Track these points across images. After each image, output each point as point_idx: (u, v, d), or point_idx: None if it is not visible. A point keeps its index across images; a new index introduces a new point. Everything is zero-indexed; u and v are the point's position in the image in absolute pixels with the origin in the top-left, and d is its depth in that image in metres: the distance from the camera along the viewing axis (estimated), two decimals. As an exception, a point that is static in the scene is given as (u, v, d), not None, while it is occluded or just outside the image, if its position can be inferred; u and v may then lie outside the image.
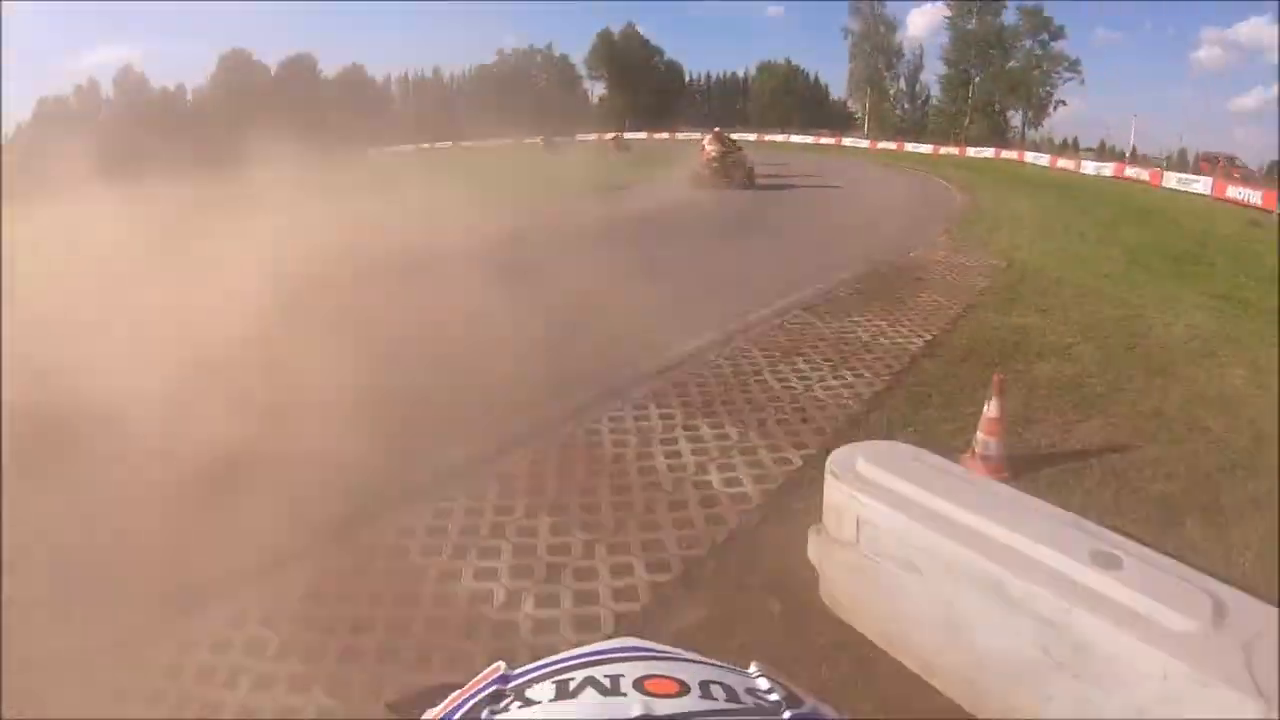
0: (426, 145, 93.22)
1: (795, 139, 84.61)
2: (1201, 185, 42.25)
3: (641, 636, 1.12)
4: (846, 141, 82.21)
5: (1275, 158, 61.20)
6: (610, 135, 75.36)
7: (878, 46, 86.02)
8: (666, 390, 9.25)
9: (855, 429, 8.03)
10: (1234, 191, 38.96)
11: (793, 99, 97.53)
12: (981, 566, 3.81)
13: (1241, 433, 8.02)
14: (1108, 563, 3.55)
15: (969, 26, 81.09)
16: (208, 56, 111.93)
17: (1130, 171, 50.34)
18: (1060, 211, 27.68)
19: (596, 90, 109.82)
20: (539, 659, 1.04)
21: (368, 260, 15.09)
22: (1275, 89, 79.23)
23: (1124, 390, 9.23)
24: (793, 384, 9.54)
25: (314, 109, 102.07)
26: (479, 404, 8.55)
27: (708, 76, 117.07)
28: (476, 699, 0.98)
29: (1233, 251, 20.56)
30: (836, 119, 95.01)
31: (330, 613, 5.26)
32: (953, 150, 71.50)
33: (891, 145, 76.69)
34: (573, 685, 0.93)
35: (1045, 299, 13.72)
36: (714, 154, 33.11)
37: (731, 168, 32.46)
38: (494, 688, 0.99)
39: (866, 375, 9.81)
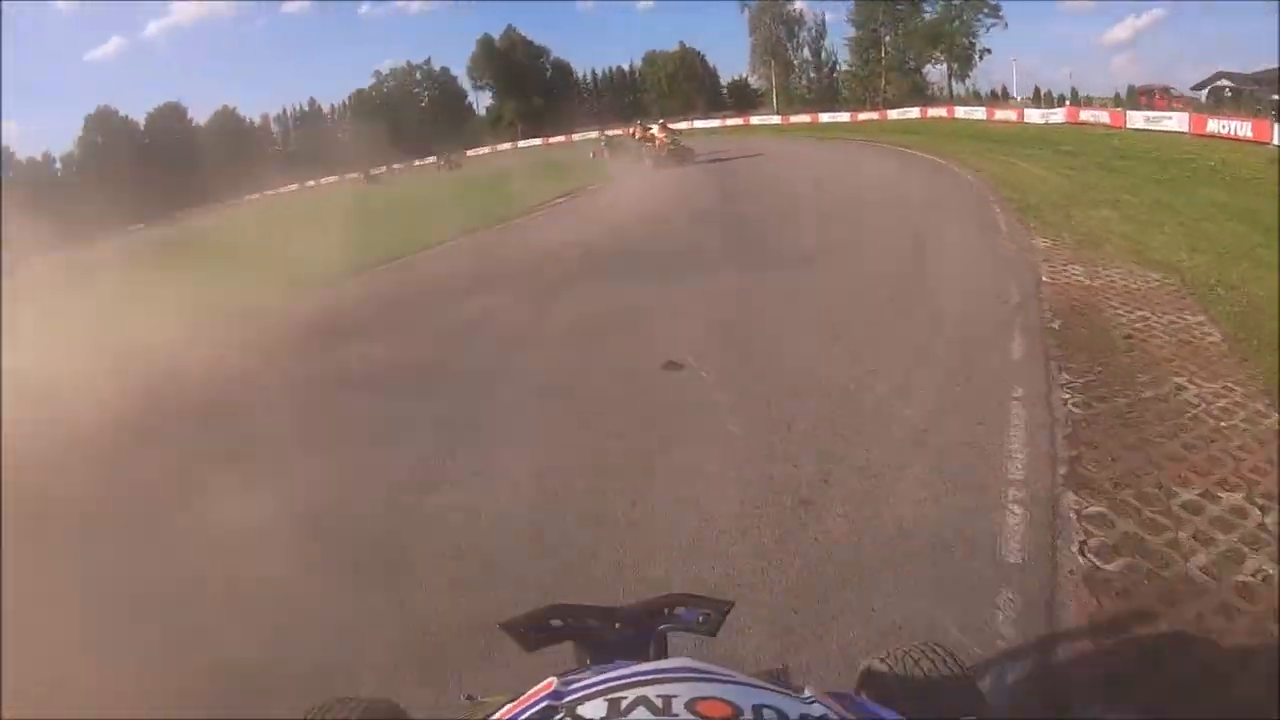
0: (311, 182, 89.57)
1: (700, 124, 78.13)
2: (1175, 122, 36.87)
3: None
4: (755, 120, 76.12)
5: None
6: (443, 158, 74.94)
7: (777, 16, 79.59)
8: None
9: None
10: (1215, 125, 33.67)
11: (692, 84, 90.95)
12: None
13: None
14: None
15: (873, -17, 75.08)
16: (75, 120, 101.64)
17: (1087, 115, 44.67)
18: (1098, 179, 21.86)
19: (485, 100, 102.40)
20: (593, 678, 1.04)
21: None
22: (1144, 18, 75.50)
23: None
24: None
25: (187, 159, 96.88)
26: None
27: (594, 74, 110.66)
28: (528, 714, 1.00)
29: None
30: (741, 98, 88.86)
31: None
32: (873, 115, 65.88)
33: (805, 118, 70.81)
34: (625, 704, 0.93)
35: None
36: (667, 140, 37.69)
37: (681, 151, 36.26)
38: (546, 703, 1.00)
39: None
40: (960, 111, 57.82)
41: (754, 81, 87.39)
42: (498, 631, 1.97)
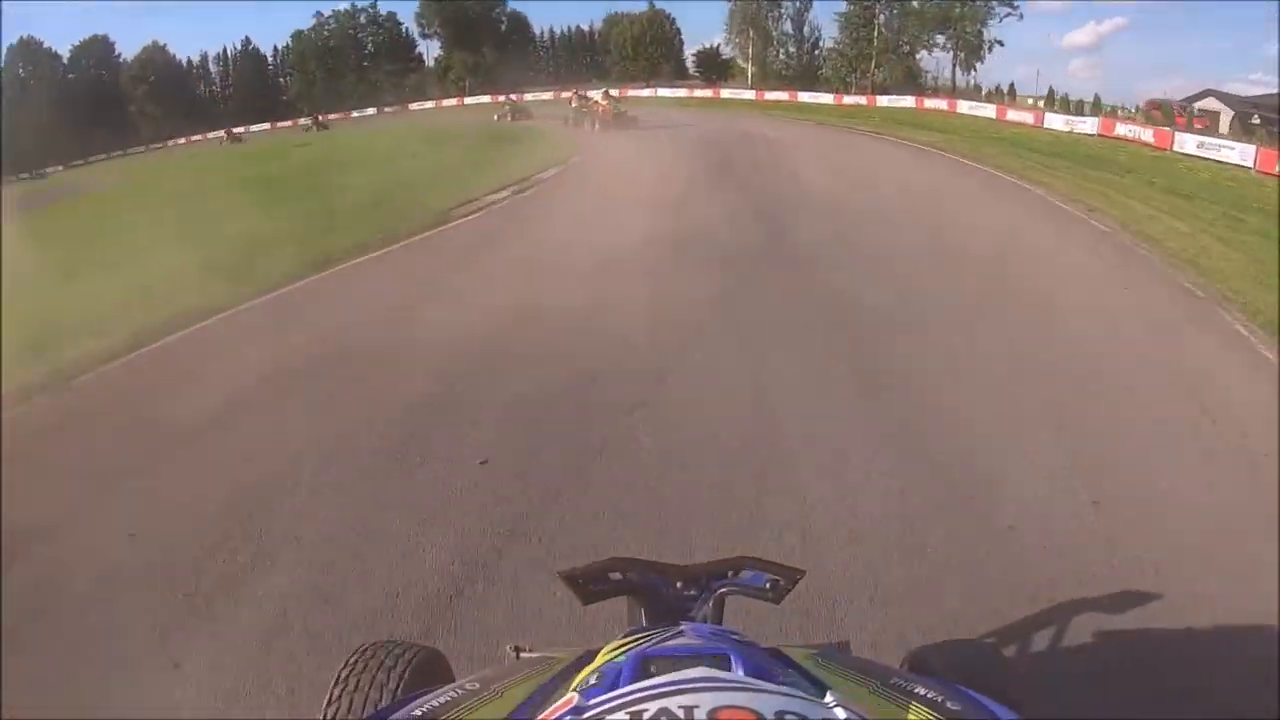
0: (240, 130, 78.56)
1: (665, 92, 69.96)
2: (1237, 154, 29.70)
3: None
4: (726, 93, 68.02)
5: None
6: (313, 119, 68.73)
7: None
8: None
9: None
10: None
11: (659, 48, 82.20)
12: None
13: None
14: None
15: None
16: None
17: (1126, 130, 37.25)
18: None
19: (434, 51, 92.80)
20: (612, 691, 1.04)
21: None
22: (1106, 23, 69.54)
23: None
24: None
25: (112, 99, 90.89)
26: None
27: (551, 33, 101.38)
28: None
29: None
30: (710, 68, 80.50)
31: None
32: (859, 100, 58.13)
33: (782, 95, 63.44)
34: (646, 716, 0.91)
35: None
36: (609, 106, 38.40)
37: (622, 118, 37.07)
38: (568, 717, 1.00)
39: None
40: (964, 106, 50.39)
41: (726, 51, 78.86)
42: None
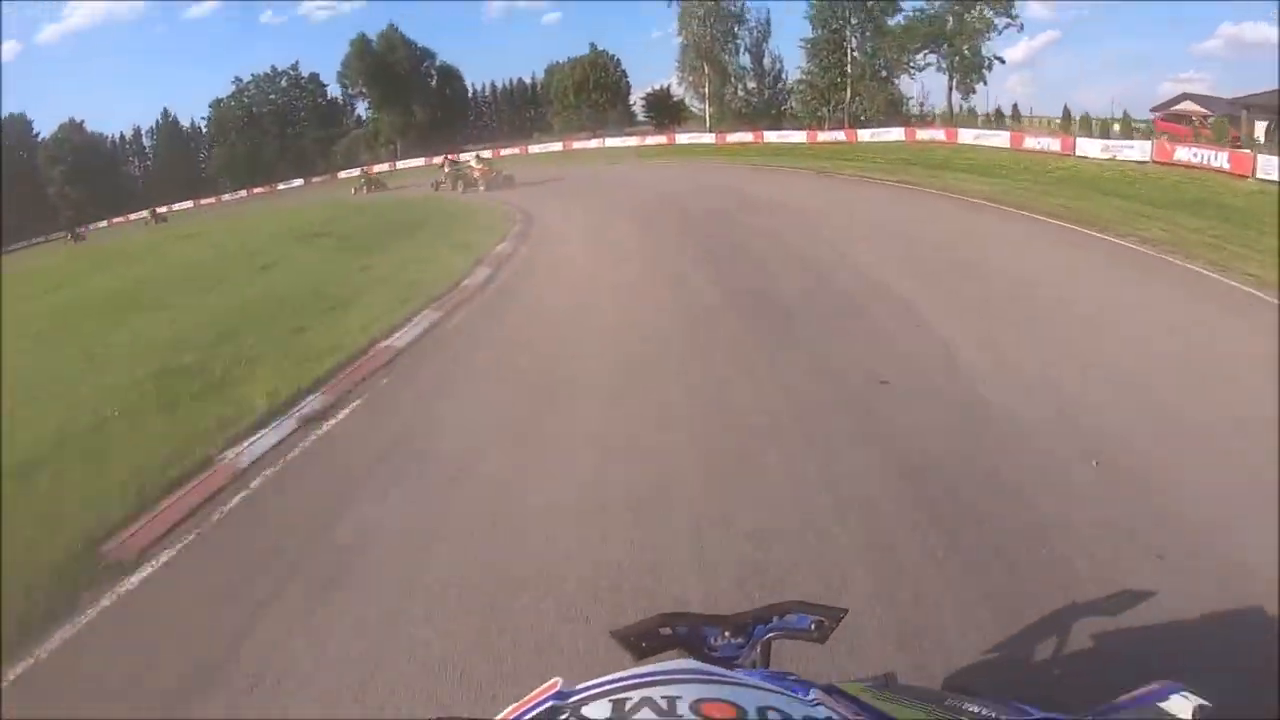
0: (163, 209, 67.52)
1: (613, 142, 61.73)
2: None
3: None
4: (683, 139, 59.70)
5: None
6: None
7: (712, 13, 62.55)
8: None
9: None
10: None
11: (604, 94, 73.96)
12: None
13: None
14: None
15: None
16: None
17: (1188, 154, 28.94)
18: None
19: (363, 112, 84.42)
20: (597, 679, 1.03)
21: None
22: (1040, 38, 63.67)
23: None
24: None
25: (31, 181, 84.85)
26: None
27: (493, 87, 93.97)
28: (533, 714, 0.99)
29: None
30: (662, 111, 72.40)
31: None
32: (837, 136, 49.98)
33: (745, 136, 54.84)
34: (629, 705, 0.92)
35: None
36: (484, 169, 38.32)
37: (498, 178, 36.57)
38: (550, 704, 0.99)
39: None
40: (966, 135, 42.02)
41: (679, 91, 70.63)
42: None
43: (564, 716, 0.94)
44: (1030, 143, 36.84)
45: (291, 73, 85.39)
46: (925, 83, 58.78)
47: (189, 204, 77.34)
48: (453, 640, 4.50)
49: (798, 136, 52.00)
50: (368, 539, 5.95)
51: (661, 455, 6.73)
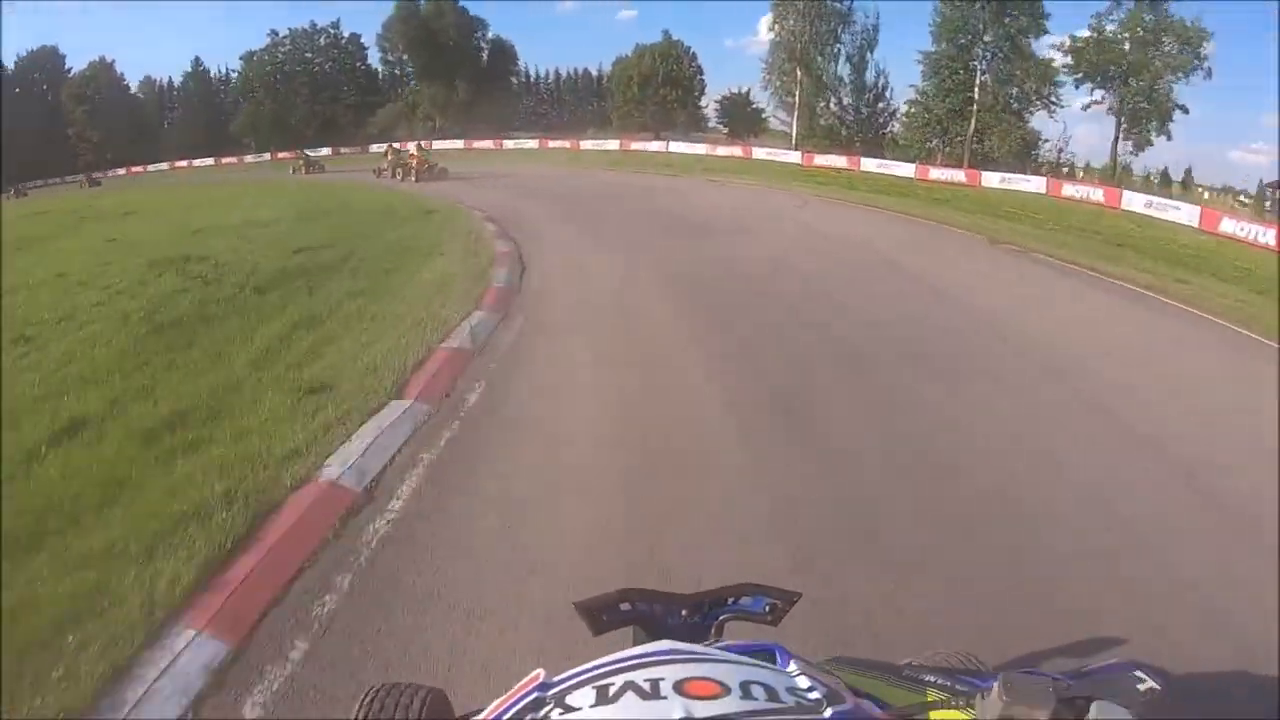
0: (183, 164, 69.46)
1: (679, 148, 52.10)
2: None
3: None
4: (760, 153, 49.70)
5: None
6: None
7: (810, 11, 52.06)
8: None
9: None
10: None
11: (674, 91, 64.02)
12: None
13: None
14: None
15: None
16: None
17: None
18: None
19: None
20: (579, 667, 1.04)
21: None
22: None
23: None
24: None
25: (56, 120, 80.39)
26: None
27: (556, 74, 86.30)
28: (518, 706, 0.99)
29: None
30: (737, 119, 62.59)
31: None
32: (955, 175, 39.82)
33: (838, 160, 44.84)
34: (612, 690, 0.93)
35: None
36: (421, 158, 36.10)
37: (432, 170, 35.03)
38: (534, 695, 1.00)
39: None
40: (1134, 201, 31.78)
41: (762, 99, 60.47)
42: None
43: (549, 707, 0.94)
44: (1229, 225, 26.60)
45: (332, 31, 77.19)
46: (1066, 123, 47.54)
47: (210, 161, 70.77)
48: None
49: (902, 169, 42.03)
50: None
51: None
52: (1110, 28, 44.02)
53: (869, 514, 4.82)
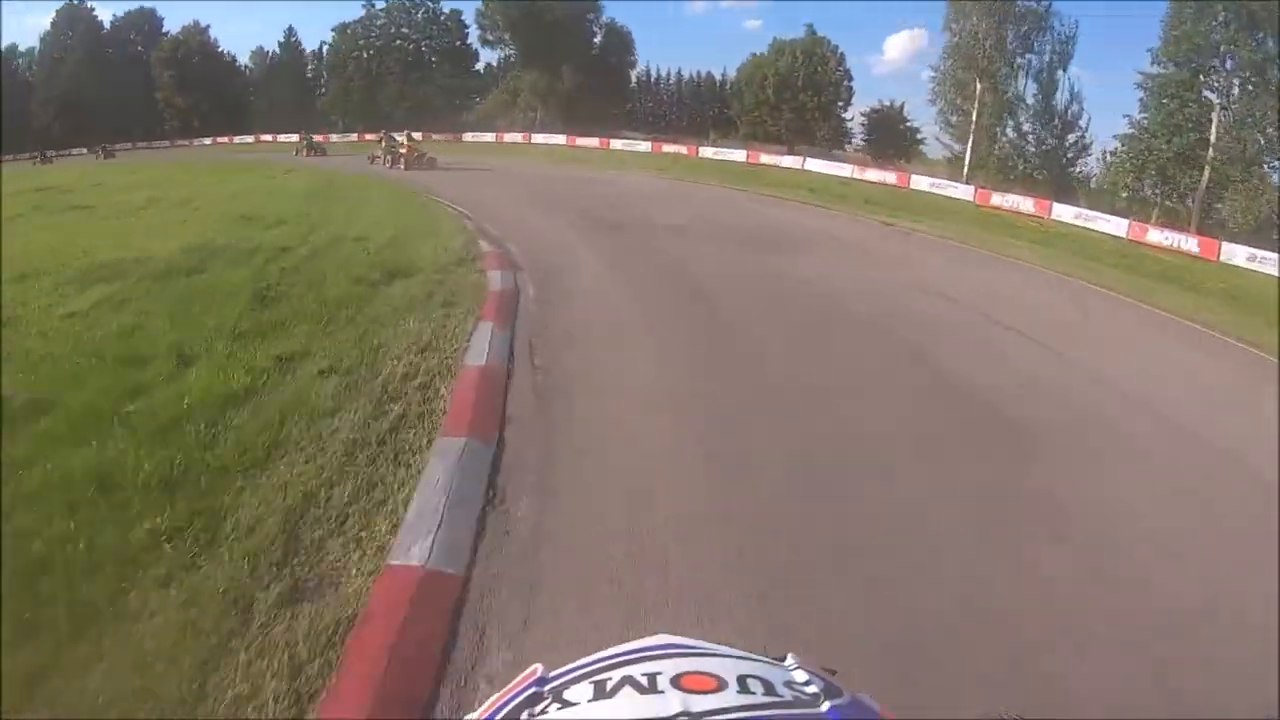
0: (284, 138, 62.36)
1: (816, 166, 43.62)
2: None
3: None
4: (921, 182, 40.46)
5: None
6: None
7: (1007, 9, 42.00)
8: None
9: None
10: None
11: (816, 97, 54.81)
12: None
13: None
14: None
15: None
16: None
17: None
18: None
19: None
20: (576, 660, 1.03)
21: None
22: None
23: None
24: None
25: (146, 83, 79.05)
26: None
27: (678, 75, 79.57)
28: (514, 701, 0.96)
29: None
30: (887, 136, 53.23)
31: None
32: (1181, 241, 30.23)
33: (1022, 202, 35.84)
34: (610, 685, 0.91)
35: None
36: (412, 148, 35.41)
37: (421, 159, 34.68)
38: (531, 690, 0.96)
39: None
40: None
41: (928, 119, 51.08)
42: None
43: (546, 702, 0.91)
44: None
45: (431, 4, 70.23)
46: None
47: (294, 137, 64.39)
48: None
49: (1109, 223, 32.30)
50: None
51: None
52: None
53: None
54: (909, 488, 5.50)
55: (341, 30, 72.09)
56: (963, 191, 38.15)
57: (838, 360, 8.69)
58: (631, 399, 6.88)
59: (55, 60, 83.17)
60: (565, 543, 4.40)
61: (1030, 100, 44.49)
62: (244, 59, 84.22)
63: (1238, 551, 5.16)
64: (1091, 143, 44.46)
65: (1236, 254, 28.32)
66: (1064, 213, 34.18)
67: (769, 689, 0.86)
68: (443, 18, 70.46)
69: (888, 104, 56.08)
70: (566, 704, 0.87)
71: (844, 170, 43.95)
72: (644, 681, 0.87)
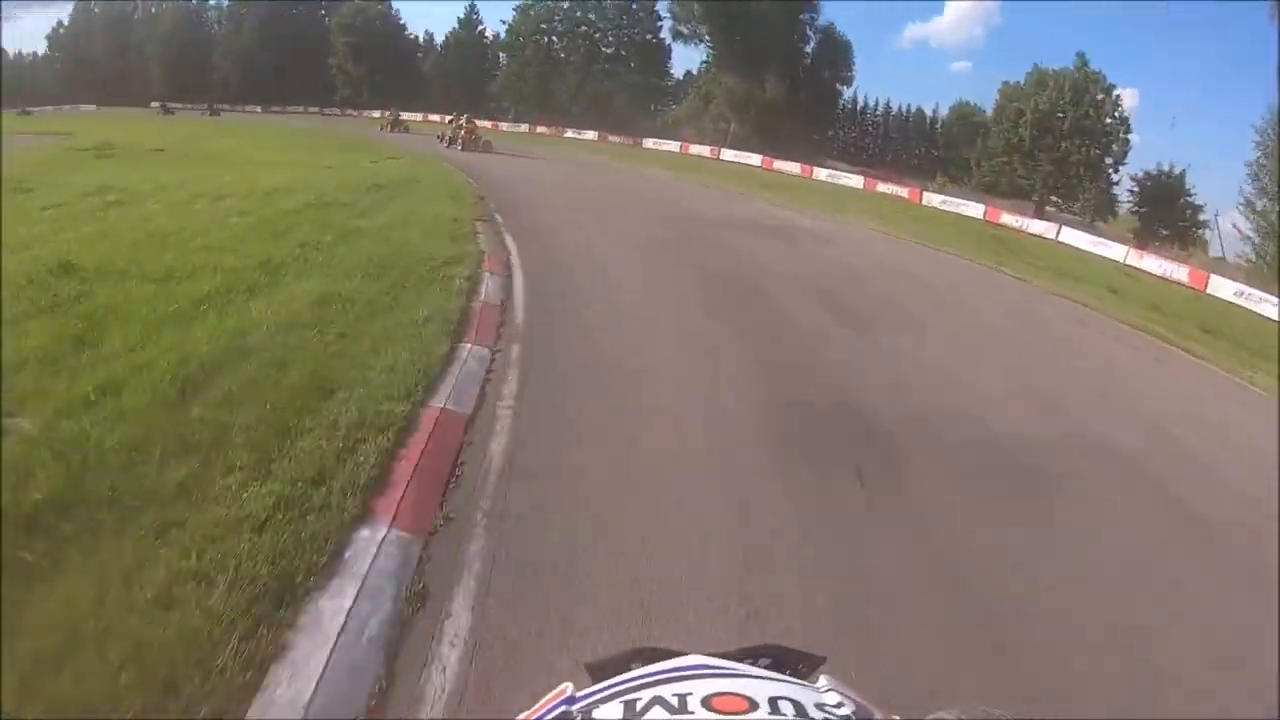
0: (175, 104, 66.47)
1: (1073, 238, 35.17)
2: None
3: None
4: (1221, 286, 29.24)
5: None
6: None
7: None
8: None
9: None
10: None
11: (1086, 149, 43.72)
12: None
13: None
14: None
15: None
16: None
17: None
18: None
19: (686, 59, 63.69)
20: (606, 680, 1.05)
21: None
22: None
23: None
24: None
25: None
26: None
27: (885, 106, 71.32)
28: None
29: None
30: (1164, 212, 41.99)
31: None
32: None
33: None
34: (640, 705, 0.92)
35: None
36: (471, 129, 38.34)
37: (478, 142, 37.18)
38: (561, 709, 0.98)
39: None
40: None
41: (1237, 195, 39.70)
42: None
43: None
44: None
45: None
46: None
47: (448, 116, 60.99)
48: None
49: None
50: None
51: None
52: None
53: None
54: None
55: (524, 10, 65.61)
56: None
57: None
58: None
59: (240, 15, 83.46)
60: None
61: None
62: (427, 34, 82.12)
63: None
64: None
65: None
66: None
67: (800, 710, 0.86)
68: (634, 6, 62.73)
69: (1166, 169, 44.54)
70: None
71: (1112, 249, 33.21)
72: (674, 702, 0.87)
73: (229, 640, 3.04)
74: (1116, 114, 43.55)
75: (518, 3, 66.65)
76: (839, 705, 0.91)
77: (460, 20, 75.12)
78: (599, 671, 1.40)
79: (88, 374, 5.20)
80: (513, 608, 3.70)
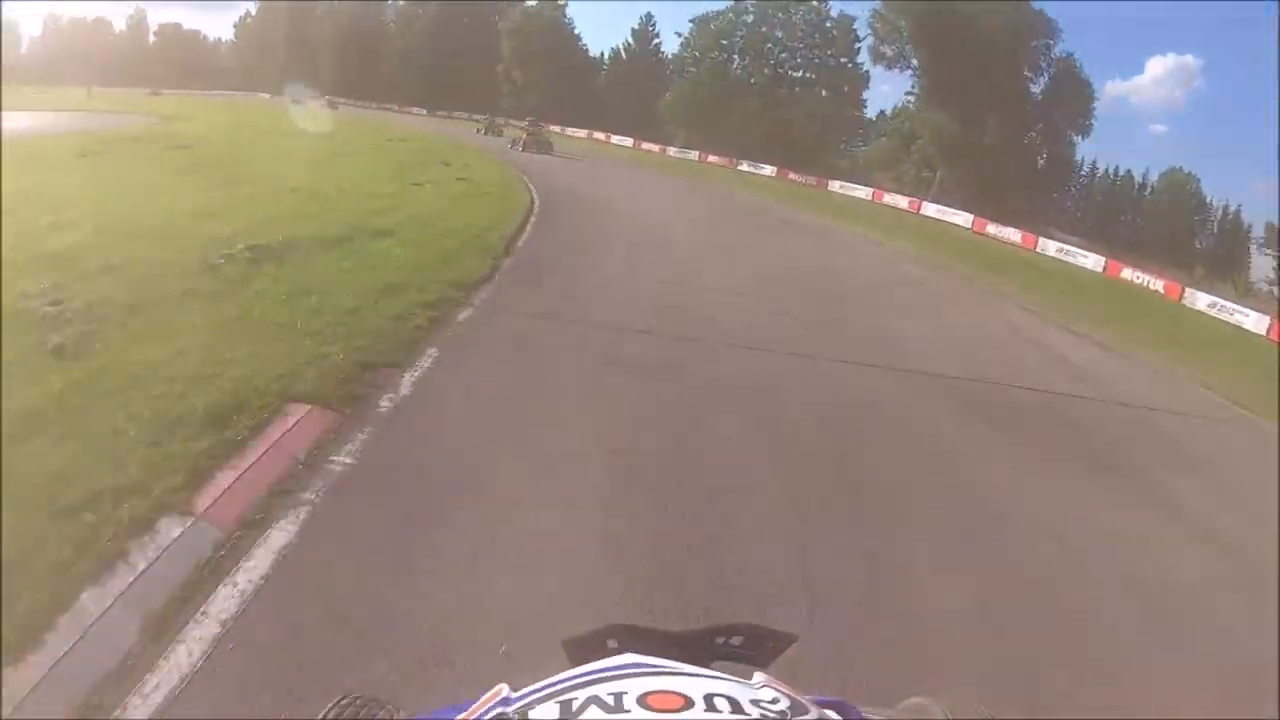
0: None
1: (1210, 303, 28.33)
2: None
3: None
4: None
5: None
6: None
7: None
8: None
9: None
10: None
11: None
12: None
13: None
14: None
15: None
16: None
17: None
18: None
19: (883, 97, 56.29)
20: (541, 681, 1.04)
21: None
22: None
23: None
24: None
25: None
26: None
27: (1091, 167, 63.56)
28: None
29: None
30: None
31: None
32: None
33: None
34: (576, 705, 0.92)
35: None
36: (533, 132, 42.30)
37: (541, 142, 41.12)
38: (497, 710, 0.98)
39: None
40: None
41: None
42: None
43: None
44: None
45: (815, 2, 55.48)
46: None
47: (627, 140, 59.51)
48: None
49: None
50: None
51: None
52: None
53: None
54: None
55: (703, 22, 58.68)
56: None
57: None
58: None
59: (412, 15, 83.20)
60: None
61: None
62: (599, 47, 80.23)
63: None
64: None
65: None
66: None
67: (735, 707, 0.87)
68: (828, 24, 54.68)
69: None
70: None
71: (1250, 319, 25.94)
72: (610, 700, 0.88)
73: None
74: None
75: (700, 15, 60.01)
76: (774, 701, 0.90)
77: (634, 31, 70.10)
78: (576, 648, 1.35)
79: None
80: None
